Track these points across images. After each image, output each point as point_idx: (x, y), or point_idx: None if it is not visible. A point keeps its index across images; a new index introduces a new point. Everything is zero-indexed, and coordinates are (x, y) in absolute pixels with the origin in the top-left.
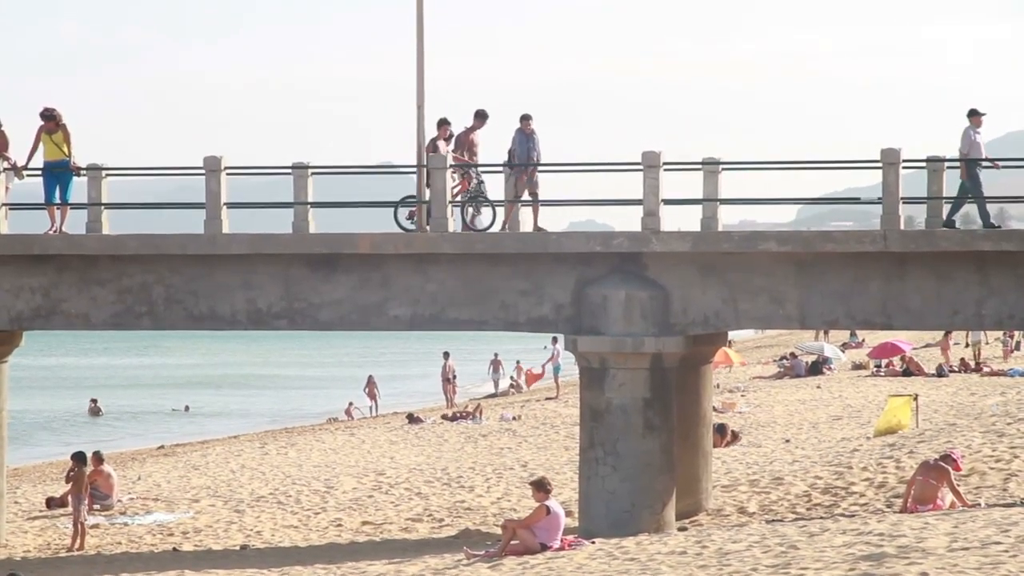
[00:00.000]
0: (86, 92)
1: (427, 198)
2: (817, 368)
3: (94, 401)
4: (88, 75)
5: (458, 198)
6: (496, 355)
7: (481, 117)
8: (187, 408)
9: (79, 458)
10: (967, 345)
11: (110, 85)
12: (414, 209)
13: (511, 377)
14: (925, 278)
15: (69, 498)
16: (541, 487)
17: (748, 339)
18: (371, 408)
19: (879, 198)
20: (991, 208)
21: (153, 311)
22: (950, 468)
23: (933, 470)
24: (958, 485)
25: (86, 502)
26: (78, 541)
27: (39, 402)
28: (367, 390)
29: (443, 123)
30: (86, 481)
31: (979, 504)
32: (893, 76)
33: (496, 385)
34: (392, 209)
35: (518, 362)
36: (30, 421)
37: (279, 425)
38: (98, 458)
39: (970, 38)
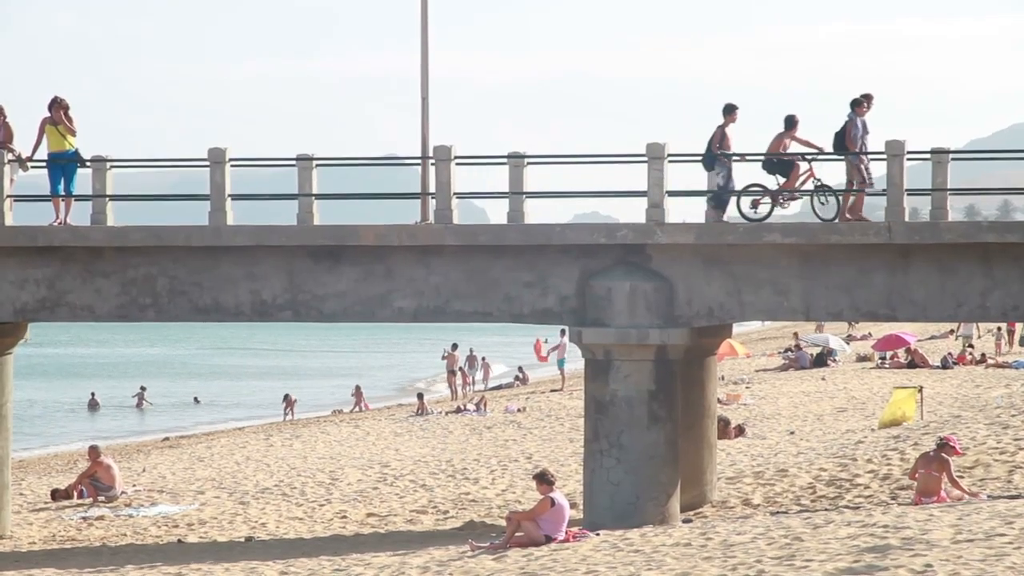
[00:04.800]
0: (87, 84)
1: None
2: (822, 360)
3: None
4: (89, 67)
5: (807, 186)
6: (471, 351)
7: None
8: (197, 400)
9: None
10: (956, 338)
11: (112, 77)
12: (758, 198)
13: (519, 369)
14: (929, 270)
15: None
16: (544, 479)
17: (753, 331)
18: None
19: (884, 190)
20: (995, 199)
21: (157, 303)
22: (950, 458)
23: (934, 461)
24: (960, 476)
25: None
26: None
27: (46, 392)
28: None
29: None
30: None
31: (979, 494)
32: (894, 71)
33: (472, 381)
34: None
35: (484, 359)
36: (36, 412)
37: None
38: (95, 451)
39: (967, 32)
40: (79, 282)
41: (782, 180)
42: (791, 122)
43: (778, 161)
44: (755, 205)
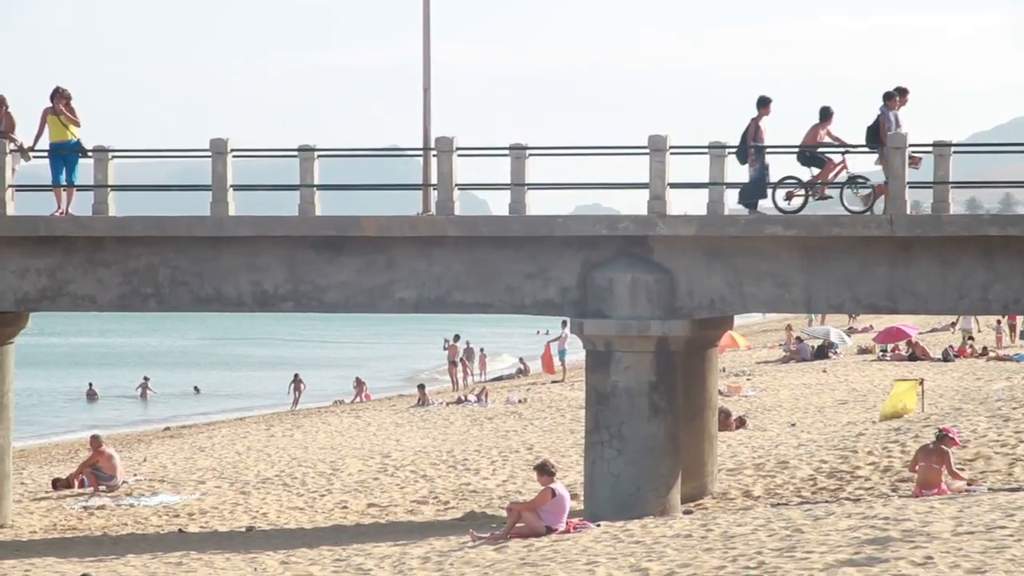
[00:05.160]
0: (89, 78)
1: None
2: (823, 352)
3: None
4: (90, 61)
5: (840, 178)
6: (468, 343)
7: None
8: (197, 389)
9: None
10: (954, 331)
11: (113, 71)
12: (791, 190)
13: (519, 361)
14: (931, 263)
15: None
16: (544, 470)
17: (754, 323)
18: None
19: (885, 182)
20: (997, 193)
21: (159, 293)
22: (949, 450)
23: (934, 453)
24: (961, 469)
25: None
26: None
27: (45, 382)
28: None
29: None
30: None
31: (975, 482)
32: (895, 64)
33: (471, 372)
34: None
35: (482, 350)
36: (35, 402)
37: (284, 407)
38: (97, 440)
39: (968, 26)
40: (81, 272)
41: (816, 172)
42: (826, 113)
43: (811, 154)
44: (789, 197)
